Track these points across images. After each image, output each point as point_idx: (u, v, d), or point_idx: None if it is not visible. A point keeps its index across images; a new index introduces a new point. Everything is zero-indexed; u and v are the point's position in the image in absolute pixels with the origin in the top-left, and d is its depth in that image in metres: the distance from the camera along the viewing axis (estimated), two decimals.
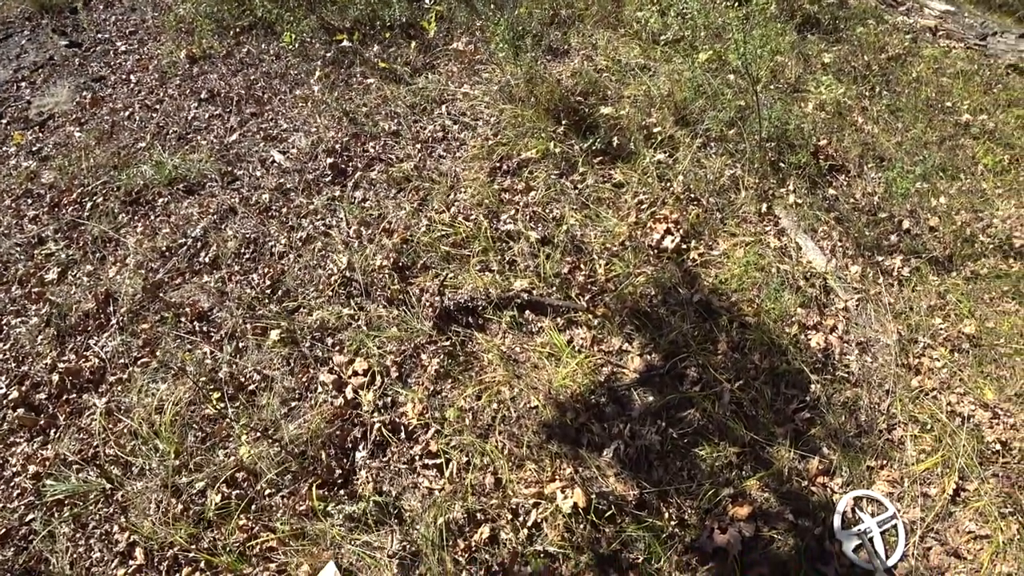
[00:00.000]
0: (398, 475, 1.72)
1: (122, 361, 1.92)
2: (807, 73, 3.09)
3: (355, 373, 1.89)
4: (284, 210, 2.41)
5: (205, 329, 2.00)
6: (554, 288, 2.10)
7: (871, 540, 1.66)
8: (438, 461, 1.72)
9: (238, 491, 1.66)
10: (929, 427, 1.86)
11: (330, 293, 2.10)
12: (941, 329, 2.09)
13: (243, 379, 1.88)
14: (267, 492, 1.66)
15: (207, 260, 2.21)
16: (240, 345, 1.96)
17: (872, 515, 1.70)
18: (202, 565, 1.56)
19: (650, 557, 1.58)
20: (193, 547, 1.58)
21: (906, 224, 2.42)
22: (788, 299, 2.12)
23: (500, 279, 2.13)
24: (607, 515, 1.63)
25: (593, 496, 1.64)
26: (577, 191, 2.40)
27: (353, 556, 1.57)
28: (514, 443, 1.75)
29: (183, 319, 2.01)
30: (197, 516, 1.63)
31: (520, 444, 1.75)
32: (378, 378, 1.89)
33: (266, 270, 2.18)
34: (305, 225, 2.35)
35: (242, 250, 2.25)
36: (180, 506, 1.64)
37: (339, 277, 2.13)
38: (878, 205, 2.49)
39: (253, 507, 1.64)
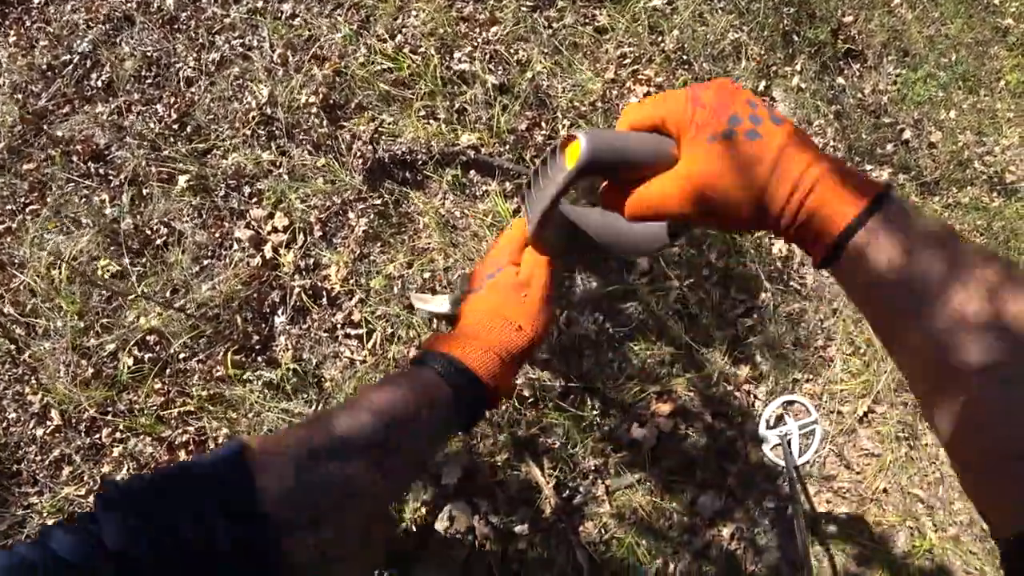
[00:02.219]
0: (318, 343, 1.63)
1: (9, 207, 1.70)
2: None
3: (274, 230, 1.70)
4: (193, 23, 1.98)
5: (102, 171, 1.74)
6: (507, 147, 1.83)
7: (788, 441, 1.70)
8: (361, 332, 1.62)
9: (151, 355, 1.58)
10: (862, 351, 1.85)
11: (247, 133, 1.81)
12: None
13: (149, 232, 1.69)
14: (181, 356, 1.58)
15: (100, 85, 1.86)
16: (144, 192, 1.73)
17: (795, 418, 1.71)
18: (121, 427, 1.53)
19: (567, 443, 1.57)
20: (110, 410, 1.54)
21: (907, 134, 2.13)
22: None
23: (446, 130, 1.83)
24: (530, 401, 1.59)
25: (518, 382, 1.58)
26: (551, 31, 1.98)
27: (272, 423, 1.55)
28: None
29: (74, 158, 1.74)
30: (110, 379, 1.56)
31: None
32: (300, 236, 1.70)
33: (172, 100, 1.85)
34: (220, 44, 1.95)
35: (143, 73, 1.89)
36: (91, 369, 1.56)
37: (258, 114, 1.82)
38: (884, 107, 2.14)
39: (168, 371, 1.58)
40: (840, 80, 2.20)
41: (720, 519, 1.72)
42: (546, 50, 1.96)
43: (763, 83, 2.10)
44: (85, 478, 1.53)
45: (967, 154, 2.18)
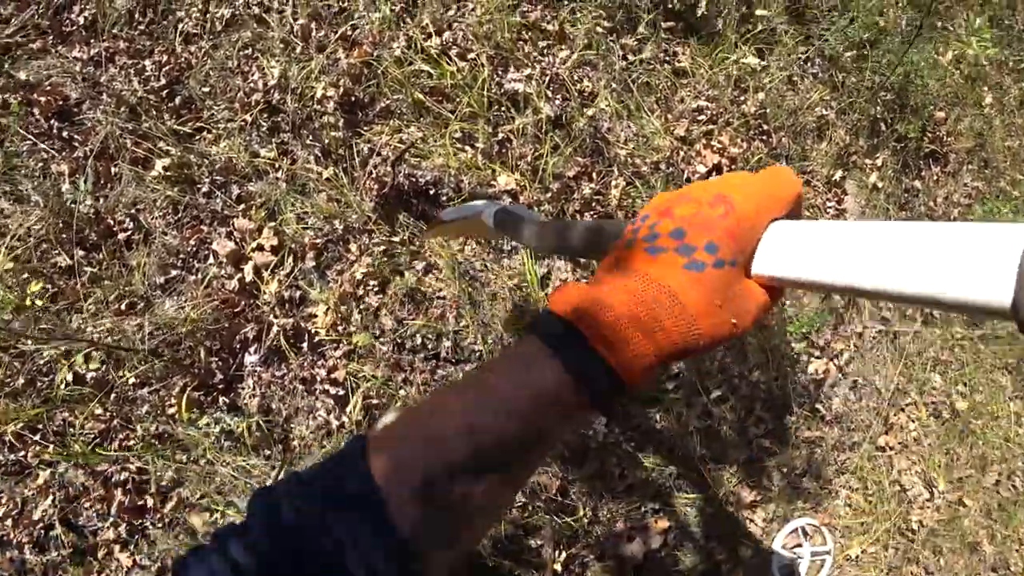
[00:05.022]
0: (292, 394, 1.41)
1: None
2: (962, 3, 2.11)
3: (260, 248, 1.44)
4: None
5: (66, 135, 1.45)
6: (549, 195, 1.56)
7: (798, 564, 1.61)
8: (342, 392, 1.41)
9: (94, 373, 1.35)
10: (869, 490, 1.76)
11: (247, 119, 1.51)
12: (934, 388, 1.87)
13: (111, 222, 1.42)
14: (131, 381, 1.36)
15: (82, 21, 1.53)
16: (112, 171, 1.45)
17: (811, 543, 1.67)
18: (51, 450, 1.33)
19: (543, 544, 1.41)
20: (40, 428, 1.32)
21: None
22: (810, 304, 1.70)
23: (483, 163, 1.56)
24: (519, 504, 1.41)
25: None
26: (625, 63, 1.67)
27: (225, 480, 1.35)
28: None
29: (36, 111, 1.44)
30: (44, 394, 1.34)
31: None
32: (288, 261, 1.45)
33: (164, 59, 1.54)
34: None
35: (136, 16, 1.56)
36: (23, 378, 1.33)
37: (263, 98, 1.52)
38: (954, 221, 1.93)
39: (113, 396, 1.35)
40: (917, 183, 1.96)
41: None
42: (615, 85, 1.66)
43: (839, 172, 1.84)
44: (3, 499, 1.33)
45: None
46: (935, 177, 2.03)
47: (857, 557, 1.77)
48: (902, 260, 0.31)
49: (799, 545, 1.69)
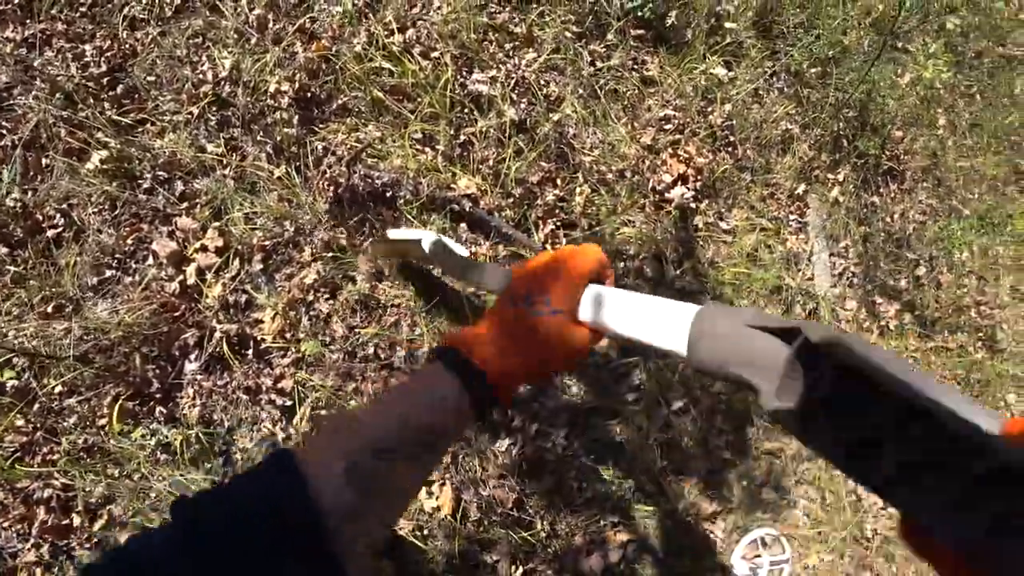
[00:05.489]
0: (235, 404, 1.34)
1: None
2: (920, 28, 2.19)
3: (204, 249, 1.36)
4: None
5: None
6: (511, 201, 1.52)
7: (757, 574, 1.61)
8: (288, 403, 1.34)
9: (15, 381, 1.25)
10: (826, 501, 1.79)
11: (194, 112, 1.43)
12: None
13: (40, 216, 1.32)
14: (57, 390, 1.26)
15: (16, 0, 1.43)
16: (43, 162, 1.35)
17: (769, 553, 1.68)
18: None
19: (499, 560, 1.37)
20: None
21: (921, 270, 2.10)
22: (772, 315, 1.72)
23: (443, 166, 1.51)
24: (474, 519, 1.36)
25: (465, 500, 1.35)
26: (593, 69, 1.64)
27: (161, 495, 1.27)
28: None
29: None
30: None
31: None
32: (234, 264, 1.38)
33: (107, 44, 1.44)
34: None
35: None
36: None
37: (213, 90, 1.44)
38: (908, 237, 2.03)
39: (36, 406, 1.26)
40: (875, 199, 2.01)
41: None
42: (582, 91, 1.63)
43: (802, 186, 1.86)
44: None
45: (967, 300, 2.18)
46: (892, 194, 2.07)
47: (814, 566, 1.78)
48: (640, 321, 0.50)
49: (758, 556, 1.69)
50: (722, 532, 1.70)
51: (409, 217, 1.46)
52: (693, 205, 1.67)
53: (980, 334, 2.12)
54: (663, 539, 1.59)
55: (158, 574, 0.34)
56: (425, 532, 1.35)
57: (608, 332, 0.54)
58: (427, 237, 1.00)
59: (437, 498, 1.32)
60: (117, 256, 1.34)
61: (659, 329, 0.47)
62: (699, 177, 1.66)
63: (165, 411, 1.30)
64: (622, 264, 1.58)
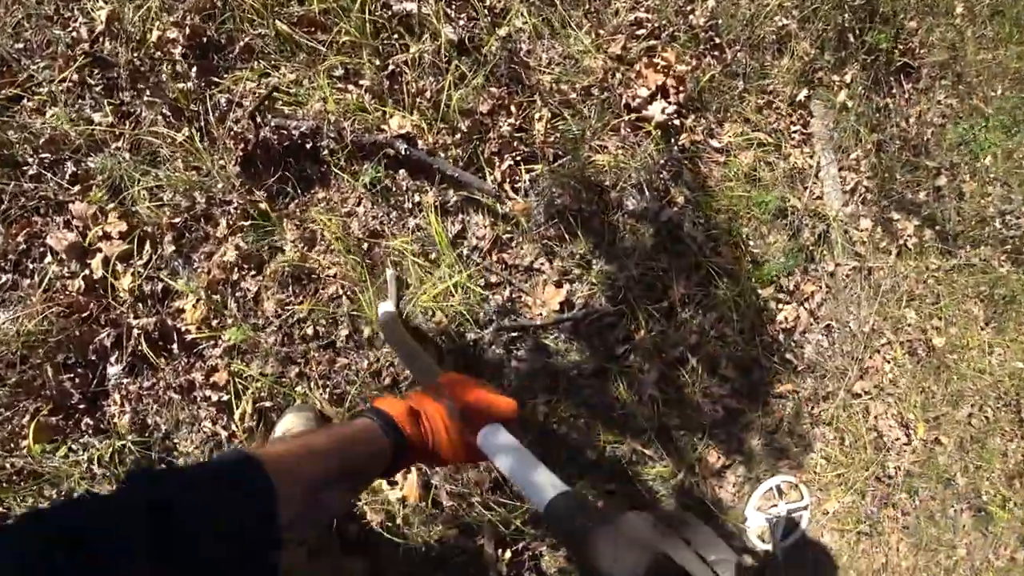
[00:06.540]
0: (167, 405, 1.19)
1: None
2: None
3: (106, 236, 1.19)
4: None
5: None
6: (457, 138, 1.29)
7: (775, 523, 1.48)
8: (226, 397, 1.19)
9: None
10: (845, 442, 1.62)
11: (73, 80, 1.23)
12: (909, 325, 1.69)
13: None
14: None
15: None
16: None
17: (785, 501, 1.54)
18: None
19: (464, 552, 1.23)
20: None
21: (942, 180, 1.77)
22: (776, 243, 1.48)
23: (370, 104, 1.28)
24: (449, 505, 1.22)
25: (435, 486, 1.20)
26: None
27: None
28: (334, 389, 1.22)
29: None
30: None
31: (343, 393, 1.22)
32: (144, 249, 1.20)
33: None
34: None
35: None
36: None
37: (90, 48, 1.23)
38: (926, 144, 1.71)
39: None
40: (888, 102, 1.69)
41: None
42: None
43: (804, 92, 1.57)
44: None
45: (991, 210, 1.87)
46: (907, 95, 1.76)
47: (835, 511, 1.62)
48: (518, 472, 0.65)
49: (775, 505, 1.52)
50: (732, 487, 1.53)
51: (336, 170, 1.25)
52: (677, 122, 1.41)
53: (1006, 247, 1.84)
54: (668, 500, 1.43)
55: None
56: (399, 522, 1.21)
57: (490, 461, 0.69)
58: (384, 307, 1.15)
59: (401, 488, 1.17)
60: (10, 257, 1.18)
61: (529, 486, 0.62)
62: (681, 88, 1.39)
63: (92, 422, 1.16)
64: (592, 203, 1.34)
